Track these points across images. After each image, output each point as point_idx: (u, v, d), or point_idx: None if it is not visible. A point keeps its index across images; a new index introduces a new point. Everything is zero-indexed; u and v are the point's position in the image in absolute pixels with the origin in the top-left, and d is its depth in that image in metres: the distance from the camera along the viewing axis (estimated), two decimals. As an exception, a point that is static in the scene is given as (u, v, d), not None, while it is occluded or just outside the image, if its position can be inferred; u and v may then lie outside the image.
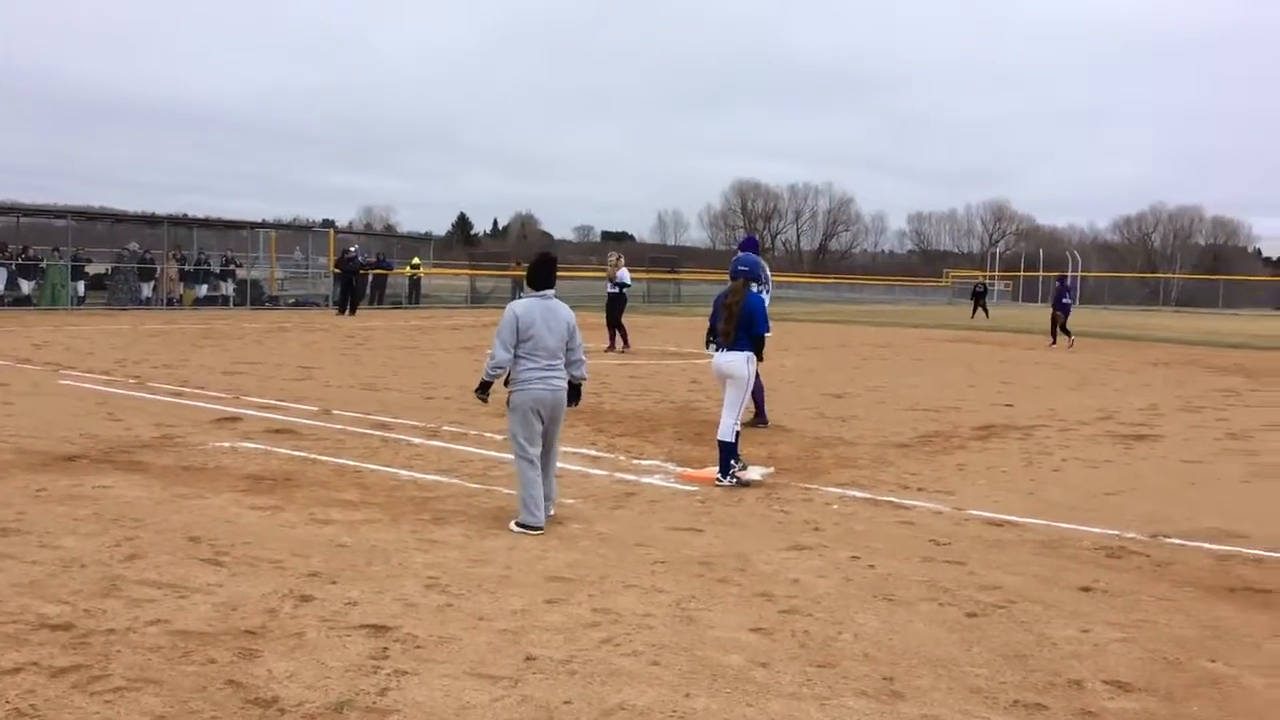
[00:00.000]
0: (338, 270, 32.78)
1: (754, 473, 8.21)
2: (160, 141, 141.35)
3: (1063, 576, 5.79)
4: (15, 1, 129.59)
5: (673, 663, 4.28)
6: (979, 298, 45.51)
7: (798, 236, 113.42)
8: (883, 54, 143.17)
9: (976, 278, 62.79)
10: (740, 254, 8.60)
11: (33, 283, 29.59)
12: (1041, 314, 36.89)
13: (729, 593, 5.28)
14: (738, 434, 7.99)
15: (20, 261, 29.47)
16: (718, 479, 7.93)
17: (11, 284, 29.32)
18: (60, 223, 33.81)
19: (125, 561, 5.44)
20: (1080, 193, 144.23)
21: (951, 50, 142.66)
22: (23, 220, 34.73)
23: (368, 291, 36.78)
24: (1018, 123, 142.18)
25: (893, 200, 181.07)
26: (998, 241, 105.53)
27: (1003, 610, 5.16)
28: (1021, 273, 76.83)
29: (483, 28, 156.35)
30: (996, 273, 69.47)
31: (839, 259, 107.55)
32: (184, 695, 3.79)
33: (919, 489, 8.07)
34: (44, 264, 29.74)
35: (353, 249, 33.59)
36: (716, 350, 8.16)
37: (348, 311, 30.98)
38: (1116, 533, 6.83)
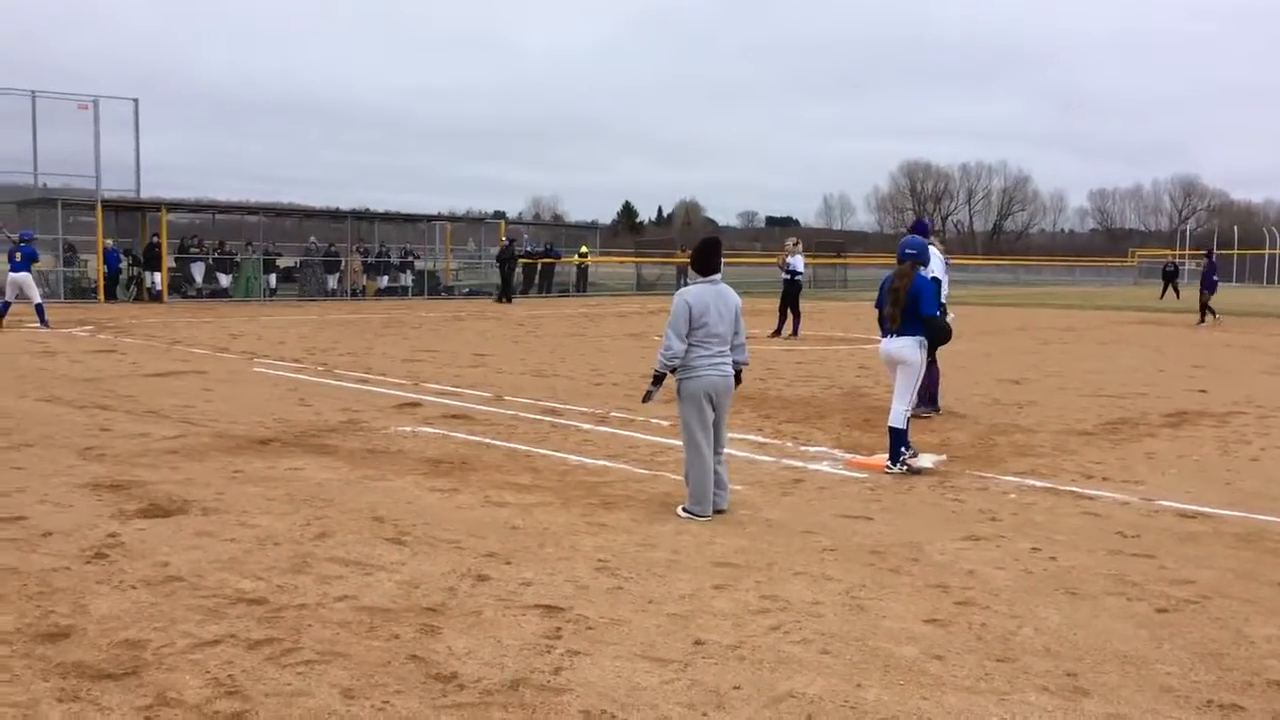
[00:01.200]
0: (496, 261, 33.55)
1: (926, 460, 8.01)
2: (321, 139, 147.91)
3: (1262, 571, 5.45)
4: (190, 8, 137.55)
5: (843, 652, 4.23)
6: (1169, 278, 43.11)
7: (970, 217, 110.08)
8: (1041, 26, 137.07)
9: (1165, 257, 59.54)
10: (906, 237, 8.40)
11: (229, 276, 31.42)
12: (1237, 295, 34.72)
13: (901, 582, 5.18)
14: (909, 420, 7.81)
15: (217, 256, 31.34)
16: (888, 466, 7.77)
17: (209, 277, 31.22)
18: (253, 219, 35.80)
19: (315, 540, 5.72)
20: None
21: (1113, 21, 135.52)
22: (218, 217, 36.92)
23: (536, 280, 37.61)
24: (1206, 93, 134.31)
25: (1072, 177, 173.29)
26: (1188, 218, 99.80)
27: (1196, 606, 4.88)
28: (1215, 251, 72.40)
29: (621, 20, 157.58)
30: (1187, 251, 65.72)
31: (1015, 239, 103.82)
32: (369, 669, 3.96)
33: (1104, 479, 7.72)
34: (238, 258, 31.56)
35: (506, 239, 34.26)
36: (885, 335, 7.99)
37: (505, 299, 31.63)
38: (1324, 527, 6.38)
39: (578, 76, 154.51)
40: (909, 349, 7.78)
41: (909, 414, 7.79)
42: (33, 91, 28.89)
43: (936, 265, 10.16)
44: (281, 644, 4.19)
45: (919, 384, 7.88)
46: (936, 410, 10.32)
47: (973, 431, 9.68)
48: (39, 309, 19.46)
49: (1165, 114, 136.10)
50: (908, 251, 7.98)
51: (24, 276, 19.49)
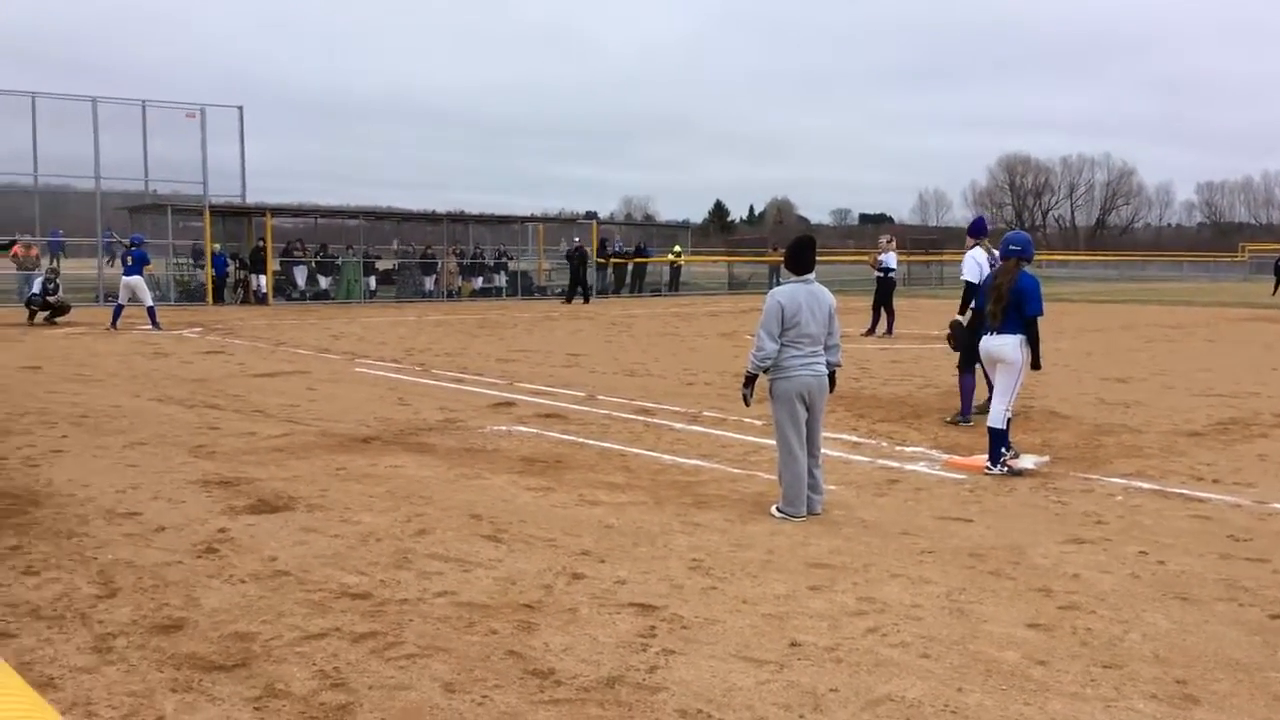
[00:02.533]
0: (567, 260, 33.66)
1: (1027, 461, 7.84)
2: (408, 141, 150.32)
3: (1388, 580, 5.21)
4: (285, 16, 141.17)
5: (943, 656, 4.16)
6: (1283, 272, 41.44)
7: (1072, 212, 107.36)
8: (1147, 9, 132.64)
9: (1277, 252, 57.21)
10: (1009, 232, 8.23)
11: (330, 278, 32.20)
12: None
13: (1003, 586, 5.08)
14: (1009, 421, 7.66)
15: (319, 259, 32.14)
16: (987, 467, 7.63)
17: (311, 280, 32.02)
18: (352, 222, 36.62)
19: (415, 536, 5.83)
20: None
21: (1223, 2, 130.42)
22: (320, 221, 37.84)
23: (627, 280, 37.78)
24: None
25: (1179, 169, 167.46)
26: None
27: (1315, 615, 4.70)
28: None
29: (702, 16, 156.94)
30: (1302, 245, 63.13)
31: (1119, 234, 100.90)
32: (469, 663, 4.03)
33: (1214, 480, 7.47)
34: (339, 261, 32.32)
35: (574, 239, 34.30)
36: (985, 334, 7.84)
37: (578, 299, 31.70)
38: None
39: (664, 73, 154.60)
40: (1009, 348, 7.62)
41: (1009, 414, 7.63)
42: (143, 101, 29.95)
43: (971, 268, 9.91)
44: (384, 638, 4.29)
45: (1020, 384, 7.71)
46: (967, 421, 9.84)
47: (1076, 431, 9.44)
48: (151, 311, 20.17)
49: (1278, 102, 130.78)
50: (1011, 247, 7.81)
51: (136, 280, 20.23)
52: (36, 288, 21.12)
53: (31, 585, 4.93)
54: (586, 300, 31.99)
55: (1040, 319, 7.68)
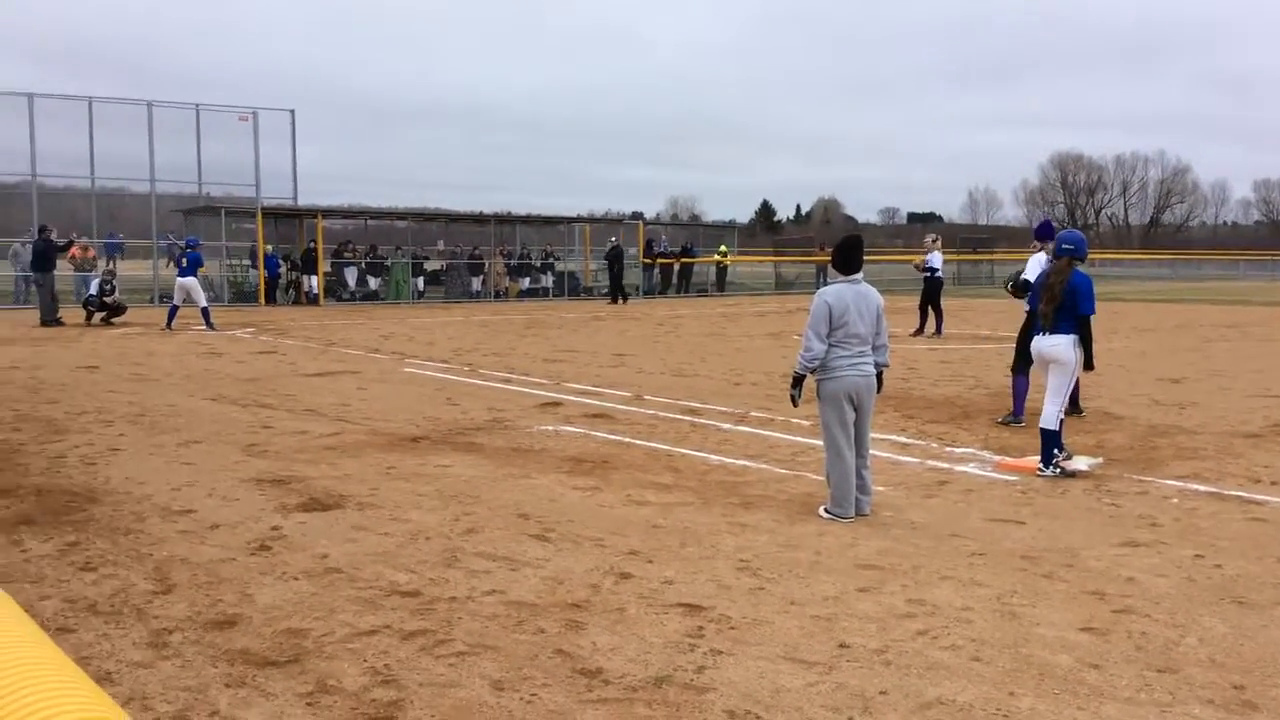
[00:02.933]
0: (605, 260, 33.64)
1: (1080, 463, 7.73)
2: (455, 143, 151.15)
3: None
4: (335, 20, 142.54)
5: (995, 659, 4.12)
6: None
7: (1125, 210, 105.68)
8: (1201, 4, 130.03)
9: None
10: (1063, 231, 8.13)
11: (379, 279, 32.52)
12: None
13: (1055, 589, 5.01)
14: (1062, 422, 7.56)
15: (369, 260, 32.47)
16: (1040, 469, 7.53)
17: (361, 281, 32.36)
18: (401, 224, 36.96)
19: (464, 535, 5.87)
20: None
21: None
22: (370, 223, 38.23)
23: (674, 280, 37.78)
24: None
25: (1235, 167, 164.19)
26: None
27: (1379, 621, 4.59)
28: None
29: (751, 16, 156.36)
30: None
31: (1173, 233, 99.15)
32: (518, 662, 4.05)
33: (1272, 483, 7.32)
34: (389, 262, 32.63)
35: (613, 240, 34.19)
36: (1038, 334, 7.75)
37: (615, 299, 31.69)
38: None
39: (711, 73, 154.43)
40: (1062, 348, 7.53)
41: (1061, 415, 7.54)
42: (197, 105, 30.46)
43: (1035, 271, 9.77)
44: (434, 635, 4.32)
45: (1073, 385, 7.62)
46: (1019, 421, 9.67)
47: (1130, 433, 9.30)
48: (205, 312, 20.50)
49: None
50: (1064, 246, 7.72)
51: (191, 281, 20.57)
52: (94, 289, 21.54)
53: (89, 581, 5.02)
54: (625, 300, 31.95)
55: (1092, 318, 7.59)
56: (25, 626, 0.95)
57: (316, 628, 4.41)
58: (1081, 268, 7.71)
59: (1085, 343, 7.57)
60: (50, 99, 28.47)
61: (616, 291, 32.13)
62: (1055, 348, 7.56)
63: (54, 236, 22.05)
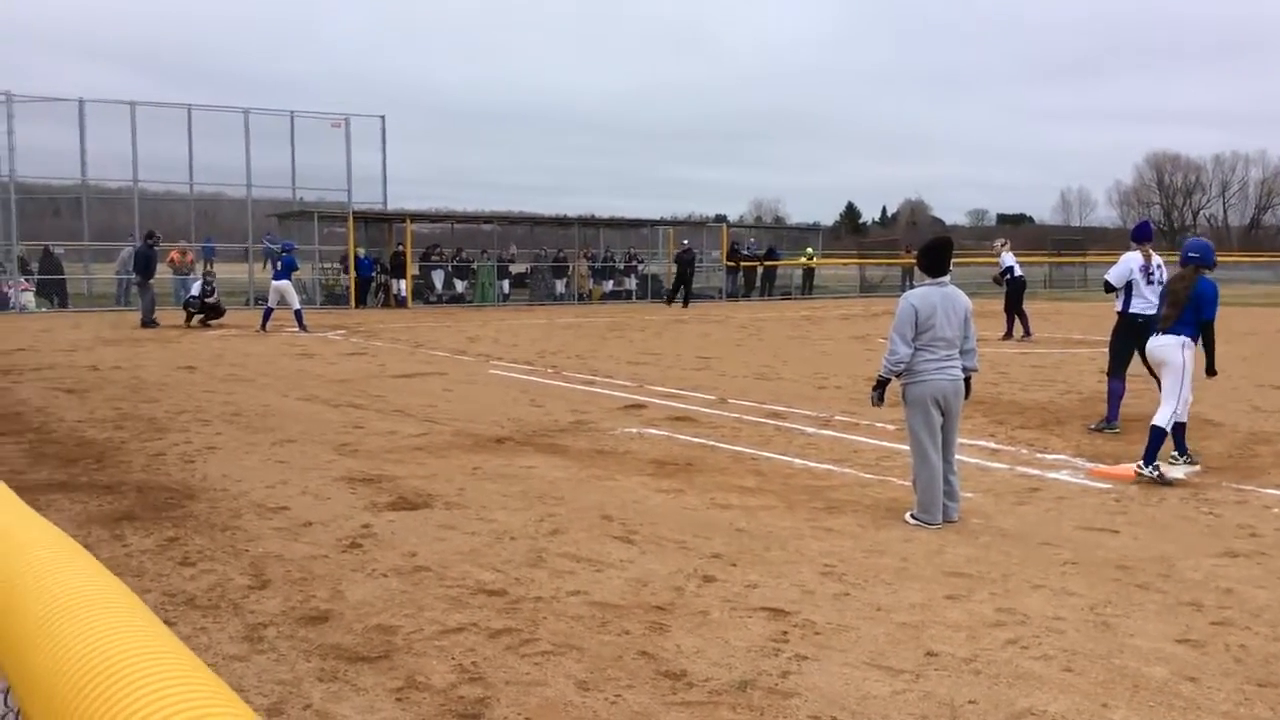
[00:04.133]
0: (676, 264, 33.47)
1: (1178, 471, 7.54)
2: (533, 145, 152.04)
3: None
4: (417, 27, 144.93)
5: (1087, 670, 4.03)
6: None
7: (1225, 211, 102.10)
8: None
9: None
10: (1190, 239, 8.10)
11: (465, 282, 32.98)
12: None
13: (1150, 599, 4.88)
14: (1183, 426, 7.57)
15: (455, 263, 32.95)
16: (1139, 467, 7.36)
17: (448, 283, 32.85)
18: (487, 227, 37.42)
19: (549, 535, 5.93)
20: None
21: None
22: (456, 226, 38.78)
23: (758, 283, 37.65)
24: None
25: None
26: None
27: None
28: None
29: (832, 12, 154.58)
30: None
31: (1275, 234, 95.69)
32: (602, 663, 4.08)
33: (1384, 494, 7.04)
34: (475, 265, 33.07)
35: (683, 243, 33.99)
36: (1154, 335, 7.77)
37: (677, 303, 31.46)
38: None
39: (793, 72, 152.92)
40: (1169, 349, 7.49)
41: (1174, 418, 7.47)
42: (291, 112, 31.23)
43: (1118, 269, 9.52)
44: (520, 634, 4.37)
45: (1186, 386, 7.50)
46: (1113, 428, 9.39)
47: (1230, 440, 9.01)
48: (298, 314, 20.99)
49: None
50: (1190, 255, 7.75)
51: (285, 284, 21.09)
52: (195, 290, 22.20)
53: (188, 575, 5.19)
54: (686, 304, 31.69)
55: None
56: (144, 615, 0.99)
57: (406, 624, 4.49)
58: (1208, 275, 7.68)
59: (1208, 347, 7.64)
60: (151, 107, 29.45)
61: (675, 294, 31.98)
62: (1163, 348, 7.57)
63: (159, 244, 22.79)
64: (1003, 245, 20.40)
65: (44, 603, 0.93)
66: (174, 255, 27.89)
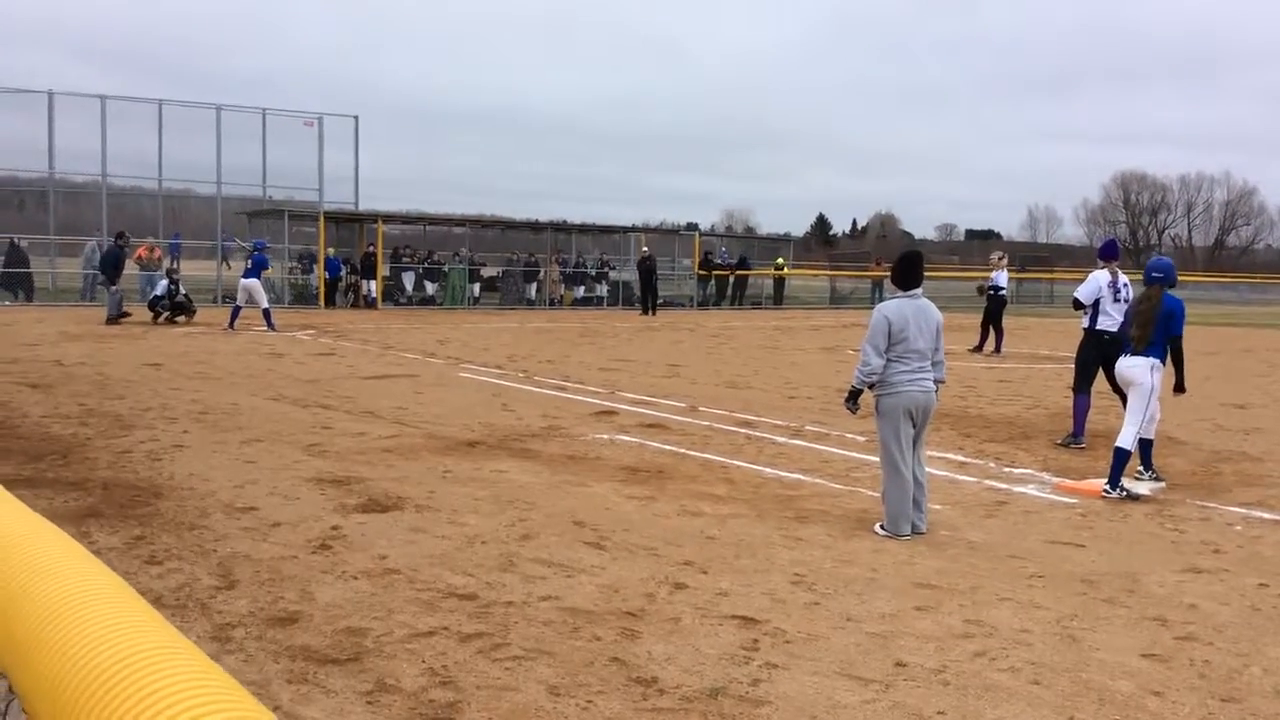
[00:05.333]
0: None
1: (1143, 487, 7.63)
2: (506, 150, 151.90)
3: None
4: (388, 28, 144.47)
5: (1054, 683, 4.07)
6: None
7: (1189, 231, 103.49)
8: (1271, 17, 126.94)
9: None
10: (1153, 259, 8.18)
11: (436, 284, 32.86)
12: None
13: (1116, 614, 4.94)
14: (1149, 444, 7.75)
15: (426, 265, 32.83)
16: (1105, 489, 7.44)
17: (419, 285, 32.72)
18: (459, 230, 37.31)
19: (519, 540, 5.92)
20: None
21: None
22: (428, 228, 38.64)
23: (729, 292, 37.79)
24: None
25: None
26: None
27: None
28: None
29: (802, 27, 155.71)
30: None
31: (1238, 256, 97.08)
32: (574, 668, 4.08)
33: (1343, 514, 7.16)
34: (446, 267, 32.96)
35: (645, 250, 33.92)
36: (1123, 355, 7.84)
37: (649, 311, 31.40)
38: None
39: (765, 83, 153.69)
40: (1139, 369, 7.56)
41: (1137, 438, 7.55)
42: (263, 110, 31.06)
43: (1087, 287, 9.65)
44: (491, 638, 4.36)
45: (1150, 407, 7.58)
46: (1079, 443, 9.52)
47: (1193, 458, 9.14)
48: (266, 313, 20.83)
49: None
50: (1154, 274, 7.84)
51: (254, 283, 20.91)
52: (160, 290, 21.98)
53: (155, 574, 5.13)
54: (653, 312, 31.51)
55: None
56: (143, 607, 0.99)
57: (376, 627, 4.47)
58: (1171, 292, 7.79)
59: (1178, 363, 7.77)
60: (121, 101, 29.15)
61: (646, 302, 31.90)
62: (1133, 369, 7.63)
63: (129, 245, 22.54)
64: (1000, 259, 20.59)
65: (46, 600, 0.93)
66: (141, 251, 27.58)
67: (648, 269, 32.26)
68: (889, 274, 6.77)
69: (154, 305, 21.86)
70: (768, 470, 8.15)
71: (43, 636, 0.90)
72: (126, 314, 21.20)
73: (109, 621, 0.88)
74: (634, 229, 41.35)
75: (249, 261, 21.28)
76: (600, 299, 35.88)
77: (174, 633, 0.90)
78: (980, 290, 20.34)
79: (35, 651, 0.89)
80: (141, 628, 0.87)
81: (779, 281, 40.44)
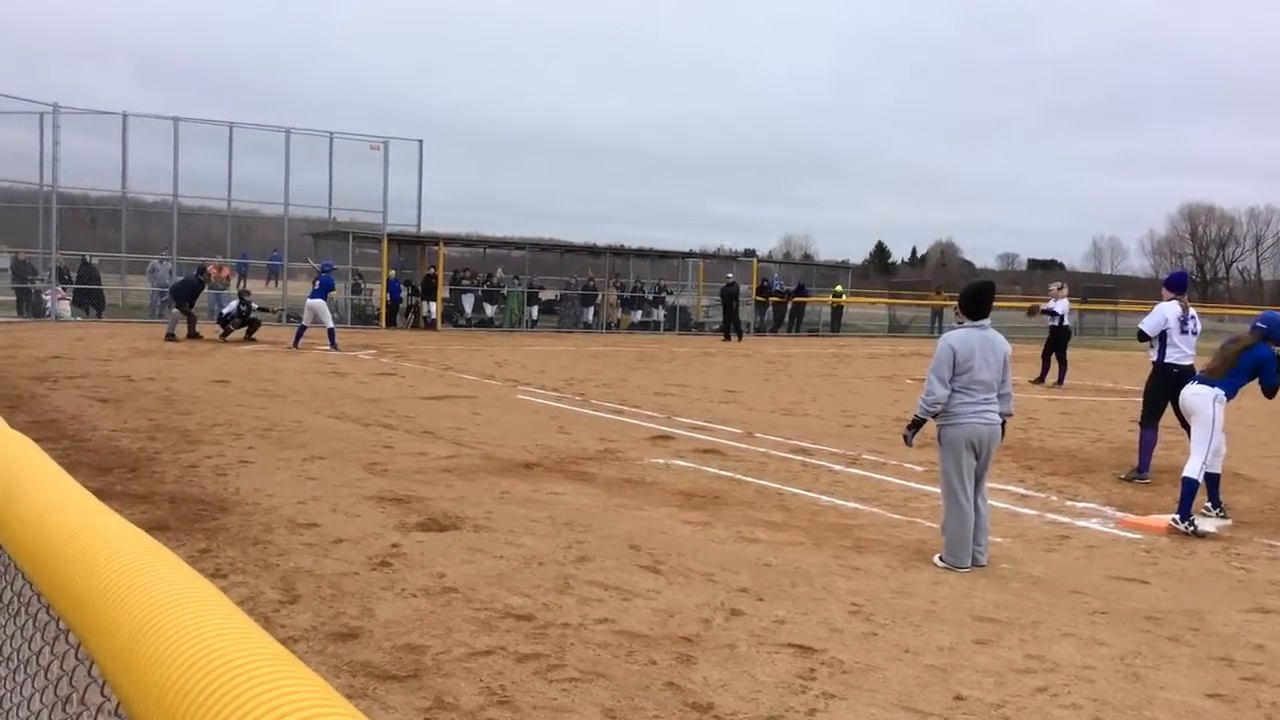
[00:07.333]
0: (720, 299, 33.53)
1: (1209, 524, 7.48)
2: (562, 172, 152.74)
3: None
4: (449, 54, 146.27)
5: (1117, 720, 4.01)
6: None
7: (1258, 264, 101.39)
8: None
9: None
10: (1266, 311, 8.19)
11: (495, 306, 33.16)
12: None
13: (1181, 653, 4.85)
14: (1216, 478, 7.62)
15: (486, 288, 33.15)
16: (1174, 520, 7.30)
17: (478, 307, 33.04)
18: (518, 253, 37.67)
19: (576, 562, 5.95)
20: None
21: None
22: (488, 251, 39.05)
23: (786, 319, 37.68)
24: None
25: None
26: None
27: None
28: None
29: (865, 51, 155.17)
30: None
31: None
32: (629, 691, 4.09)
33: None
34: (505, 290, 33.26)
35: (730, 276, 34.00)
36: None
37: (734, 338, 31.53)
38: None
39: (825, 109, 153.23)
40: (1202, 399, 7.46)
41: (1204, 469, 7.41)
42: (331, 133, 31.64)
43: (1153, 319, 9.50)
44: (548, 659, 4.39)
45: (1216, 436, 7.45)
46: (1144, 478, 9.36)
47: (1262, 495, 8.93)
48: (330, 333, 21.16)
49: None
50: (1257, 325, 7.85)
51: (319, 303, 21.28)
52: (230, 308, 22.44)
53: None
54: (739, 338, 31.85)
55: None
56: (231, 608, 1.03)
57: (434, 645, 4.52)
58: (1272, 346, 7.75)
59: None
60: (193, 123, 29.89)
61: (729, 328, 32.07)
62: (1196, 397, 7.56)
63: (209, 281, 23.17)
64: (1059, 289, 20.37)
65: (144, 604, 0.97)
66: (211, 270, 28.20)
67: (730, 294, 32.37)
68: (954, 303, 6.73)
69: (223, 321, 22.32)
70: (824, 498, 8.11)
71: (148, 635, 0.94)
72: (197, 335, 21.66)
73: (208, 627, 0.92)
74: (691, 254, 41.42)
75: (316, 282, 21.66)
76: (657, 324, 35.95)
77: (271, 639, 0.94)
78: (1031, 312, 20.07)
79: (136, 654, 0.94)
80: (247, 630, 0.92)
81: (837, 309, 40.24)
